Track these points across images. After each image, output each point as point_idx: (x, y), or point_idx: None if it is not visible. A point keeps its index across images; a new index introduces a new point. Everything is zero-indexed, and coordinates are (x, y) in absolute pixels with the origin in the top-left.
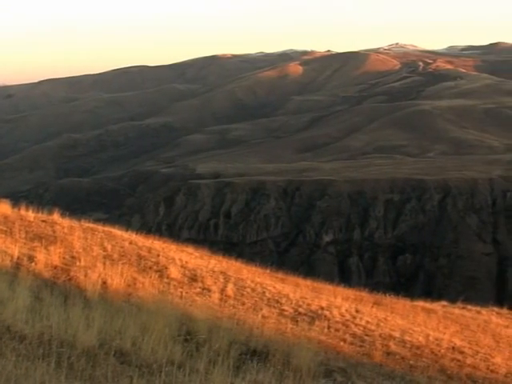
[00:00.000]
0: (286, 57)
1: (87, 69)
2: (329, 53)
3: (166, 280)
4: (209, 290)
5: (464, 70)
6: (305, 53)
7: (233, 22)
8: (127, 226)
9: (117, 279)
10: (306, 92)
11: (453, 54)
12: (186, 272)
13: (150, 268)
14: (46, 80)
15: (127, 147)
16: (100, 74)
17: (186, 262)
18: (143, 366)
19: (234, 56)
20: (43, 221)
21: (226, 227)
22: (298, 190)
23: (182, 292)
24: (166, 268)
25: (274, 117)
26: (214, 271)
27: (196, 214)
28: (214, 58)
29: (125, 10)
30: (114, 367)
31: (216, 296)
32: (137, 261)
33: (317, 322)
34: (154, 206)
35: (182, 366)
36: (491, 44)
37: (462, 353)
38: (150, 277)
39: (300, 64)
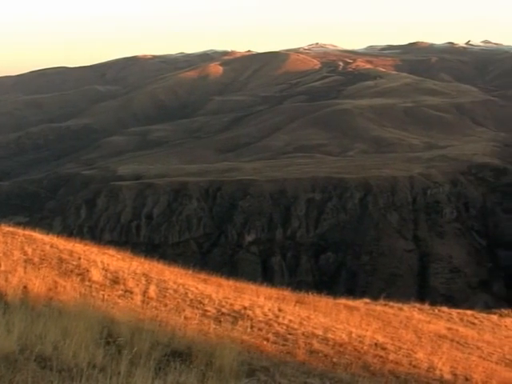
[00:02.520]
0: (207, 57)
1: (6, 70)
2: (249, 53)
3: (87, 283)
4: (131, 292)
5: (383, 70)
6: (225, 53)
7: (153, 22)
8: (48, 229)
9: (38, 283)
10: (226, 92)
11: (372, 53)
12: (108, 274)
13: (72, 271)
14: None
15: (47, 149)
16: (19, 75)
17: (108, 265)
18: (64, 370)
19: (155, 57)
20: None
21: (148, 229)
22: (220, 190)
23: (103, 295)
24: (88, 271)
25: (195, 117)
26: (136, 273)
27: (118, 216)
28: (134, 58)
29: (44, 11)
30: (35, 372)
31: (138, 298)
32: (58, 264)
33: (240, 322)
34: (75, 208)
35: (103, 369)
36: (410, 44)
37: (384, 349)
38: (72, 280)
39: (220, 64)
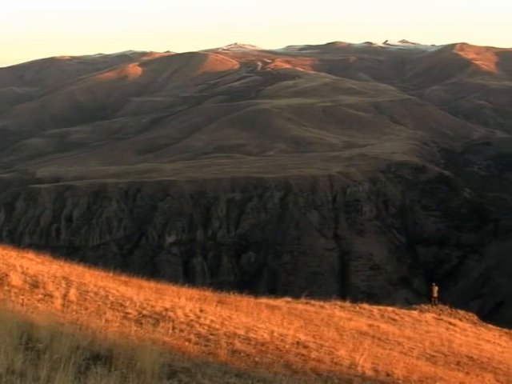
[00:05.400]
0: (125, 58)
1: None
2: (168, 53)
3: (6, 287)
4: (51, 296)
5: (302, 69)
6: (144, 54)
7: (70, 23)
8: None
9: None
10: (145, 93)
11: (291, 53)
12: (27, 278)
13: None
14: None
15: None
16: None
17: (27, 269)
18: None
19: (73, 58)
20: None
21: (68, 231)
22: (140, 191)
23: (23, 299)
24: (7, 275)
25: (114, 119)
26: (56, 277)
27: (37, 219)
28: (52, 59)
29: None
30: None
31: (58, 302)
32: None
33: (161, 324)
34: None
35: (22, 374)
36: (328, 43)
37: (306, 347)
38: None
39: (139, 65)
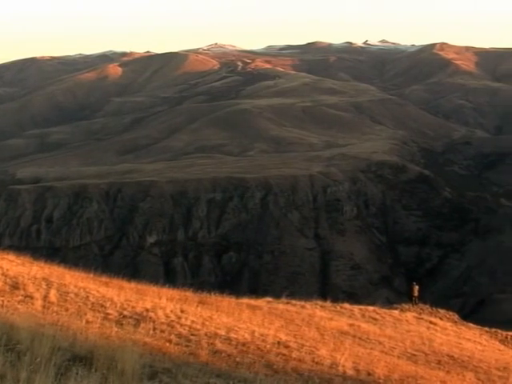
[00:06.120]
0: (106, 58)
1: None
2: (148, 54)
3: None
4: (31, 298)
5: (282, 69)
6: (124, 54)
7: (50, 23)
8: None
9: None
10: (126, 93)
11: (271, 53)
12: (7, 280)
13: None
14: None
15: None
16: None
17: (7, 270)
18: None
19: (53, 58)
20: None
21: (49, 232)
22: (120, 192)
23: (3, 301)
24: None
25: (94, 119)
26: (36, 278)
27: (17, 220)
28: (32, 60)
29: None
30: None
31: (39, 303)
32: None
33: (142, 324)
34: None
35: (3, 376)
36: (308, 43)
37: (287, 347)
38: None
39: (119, 65)
